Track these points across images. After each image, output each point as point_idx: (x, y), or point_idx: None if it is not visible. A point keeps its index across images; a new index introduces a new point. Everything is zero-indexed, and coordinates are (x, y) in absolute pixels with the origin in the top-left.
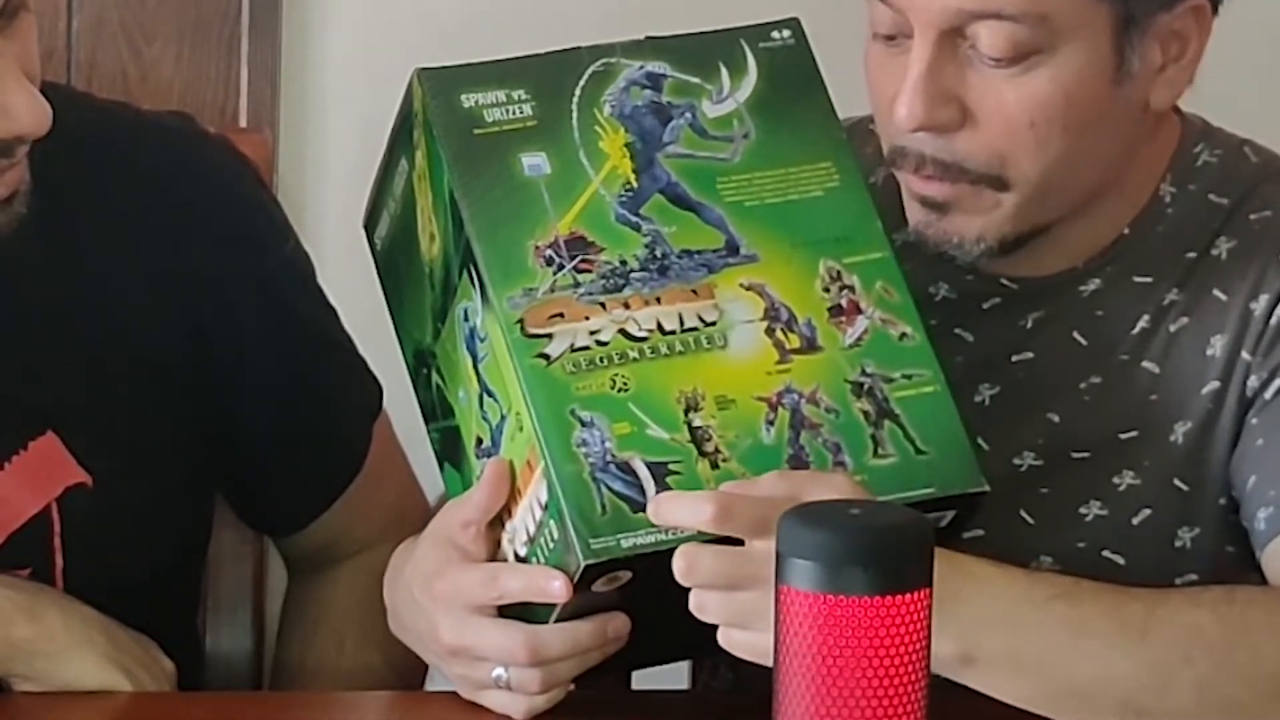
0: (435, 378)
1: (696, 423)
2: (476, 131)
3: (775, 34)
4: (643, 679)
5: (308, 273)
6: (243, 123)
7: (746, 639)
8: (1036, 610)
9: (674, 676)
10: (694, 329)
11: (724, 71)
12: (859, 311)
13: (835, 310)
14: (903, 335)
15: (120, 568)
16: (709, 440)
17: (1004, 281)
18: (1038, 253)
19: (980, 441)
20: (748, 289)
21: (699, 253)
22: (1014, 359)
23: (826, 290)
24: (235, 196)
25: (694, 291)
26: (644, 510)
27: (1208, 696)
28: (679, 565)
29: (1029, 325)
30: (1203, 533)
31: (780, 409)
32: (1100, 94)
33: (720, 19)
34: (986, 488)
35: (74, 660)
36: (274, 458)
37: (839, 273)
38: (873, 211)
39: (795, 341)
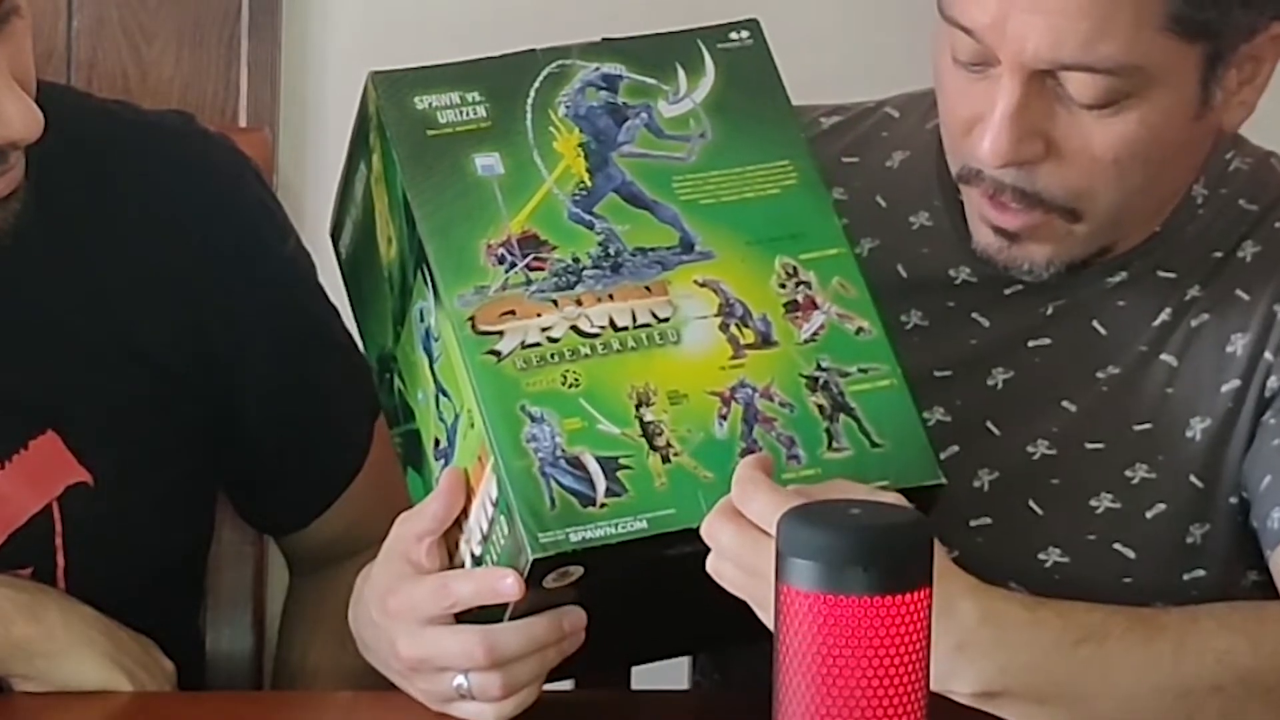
0: (397, 382)
1: (648, 417)
2: (430, 132)
3: (734, 35)
4: (643, 679)
5: (308, 272)
6: (243, 122)
7: (767, 617)
8: (1064, 655)
9: (674, 676)
10: (646, 325)
11: (681, 72)
12: (815, 307)
13: (791, 306)
14: (860, 330)
15: (121, 567)
16: (660, 435)
17: (1029, 268)
18: None
19: (992, 427)
20: (702, 285)
21: (653, 250)
22: (1030, 344)
23: (783, 286)
24: (236, 195)
25: (647, 288)
26: (594, 504)
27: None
28: (705, 526)
29: (1049, 312)
30: (1213, 530)
31: (734, 403)
32: (1184, 128)
33: (718, 16)
34: (943, 480)
35: (74, 660)
36: (275, 457)
37: (795, 269)
38: (831, 209)
39: (750, 337)
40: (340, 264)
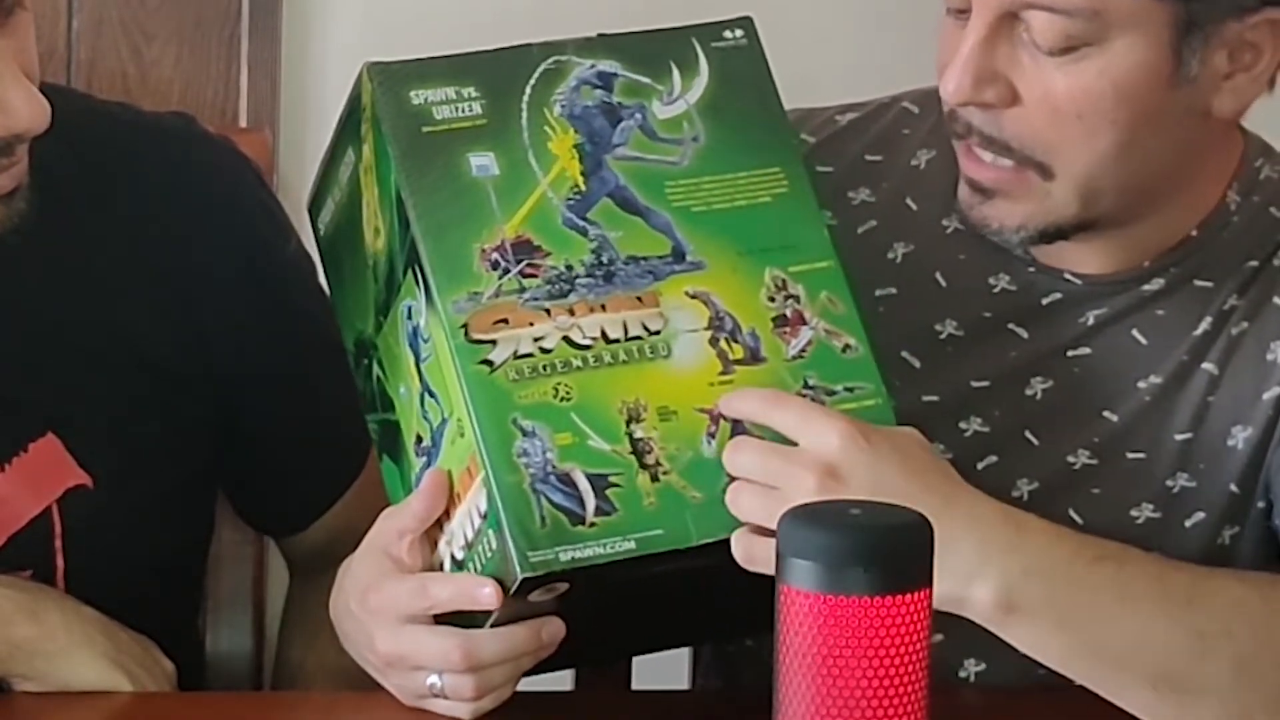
0: (376, 369)
1: (638, 434)
2: (425, 129)
3: (728, 33)
4: (643, 679)
5: (309, 273)
6: (243, 123)
7: (766, 552)
8: (1084, 567)
9: (674, 677)
10: (638, 338)
11: (675, 72)
12: (803, 322)
13: (780, 320)
14: (846, 347)
15: (121, 569)
16: (650, 453)
17: (1067, 276)
18: (1104, 248)
19: (1031, 437)
20: (693, 297)
21: (645, 259)
22: (1070, 354)
23: (772, 300)
24: (236, 197)
25: (639, 299)
26: (583, 523)
27: (1245, 673)
28: (728, 453)
29: (1090, 322)
30: (1241, 532)
31: (722, 422)
32: (1153, 94)
33: (716, 14)
34: None
35: (74, 660)
36: (275, 458)
37: (784, 282)
38: (820, 220)
39: (739, 352)
40: (317, 239)
